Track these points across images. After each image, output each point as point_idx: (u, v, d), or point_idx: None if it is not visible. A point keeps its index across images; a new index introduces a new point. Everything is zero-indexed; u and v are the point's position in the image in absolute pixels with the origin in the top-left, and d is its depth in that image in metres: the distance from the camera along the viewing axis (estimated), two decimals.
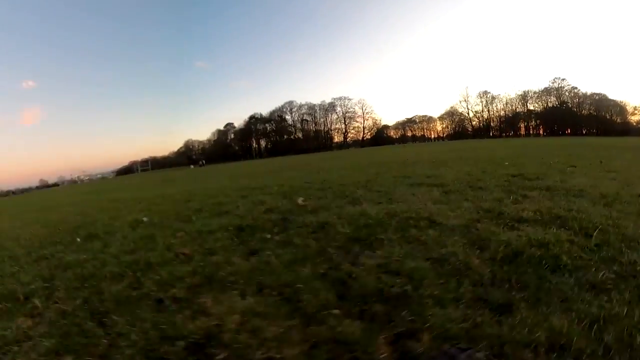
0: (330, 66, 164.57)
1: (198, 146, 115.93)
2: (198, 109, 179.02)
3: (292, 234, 3.44)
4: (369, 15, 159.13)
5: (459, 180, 6.20)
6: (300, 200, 5.05)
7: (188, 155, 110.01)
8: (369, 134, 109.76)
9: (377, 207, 4.19)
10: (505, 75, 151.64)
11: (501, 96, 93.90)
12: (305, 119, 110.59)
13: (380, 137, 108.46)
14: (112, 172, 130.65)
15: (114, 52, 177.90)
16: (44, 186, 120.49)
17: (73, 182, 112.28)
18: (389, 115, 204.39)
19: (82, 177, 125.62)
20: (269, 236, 3.43)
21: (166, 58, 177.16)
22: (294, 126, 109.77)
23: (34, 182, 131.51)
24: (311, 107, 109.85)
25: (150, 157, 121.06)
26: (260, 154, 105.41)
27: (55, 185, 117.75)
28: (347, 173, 9.87)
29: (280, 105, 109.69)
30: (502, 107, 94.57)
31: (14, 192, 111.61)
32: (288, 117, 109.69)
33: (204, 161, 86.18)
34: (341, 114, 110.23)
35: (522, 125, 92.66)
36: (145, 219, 5.15)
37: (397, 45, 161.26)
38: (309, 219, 3.89)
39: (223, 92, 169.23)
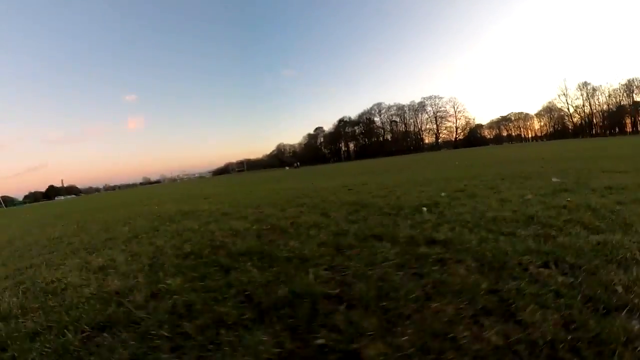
0: (418, 65, 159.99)
1: (289, 149, 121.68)
2: (287, 114, 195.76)
3: None
4: (458, 9, 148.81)
5: None
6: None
7: (279, 158, 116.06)
8: (461, 134, 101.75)
9: None
10: (606, 63, 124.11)
11: (603, 87, 77.55)
12: (394, 120, 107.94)
13: (473, 137, 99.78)
14: (209, 172, 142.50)
15: (206, 66, 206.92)
16: (147, 183, 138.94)
17: (173, 181, 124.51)
18: (482, 113, 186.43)
19: (181, 176, 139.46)
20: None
21: (255, 68, 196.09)
22: (383, 128, 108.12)
23: (138, 179, 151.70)
24: (400, 108, 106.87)
25: (245, 159, 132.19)
26: (349, 157, 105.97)
27: (157, 182, 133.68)
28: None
29: (368, 108, 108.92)
30: (604, 100, 78.07)
31: (119, 187, 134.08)
32: (377, 118, 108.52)
33: (298, 163, 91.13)
34: (432, 113, 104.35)
35: (628, 120, 74.28)
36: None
37: (488, 39, 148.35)
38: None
39: (311, 97, 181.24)
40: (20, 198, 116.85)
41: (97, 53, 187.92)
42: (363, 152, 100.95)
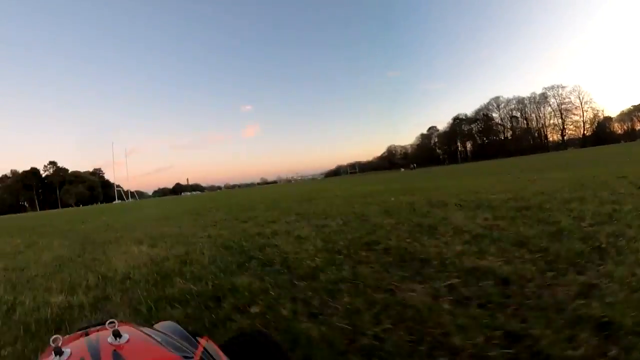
0: (534, 48, 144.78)
1: (400, 151, 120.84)
2: (396, 115, 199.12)
3: None
4: None
5: None
6: None
7: (390, 160, 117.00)
8: (590, 129, 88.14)
9: None
10: None
11: None
12: (514, 116, 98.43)
13: (602, 132, 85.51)
14: (321, 174, 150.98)
15: (313, 74, 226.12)
16: (264, 183, 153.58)
17: (288, 181, 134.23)
18: (610, 103, 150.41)
19: (295, 177, 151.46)
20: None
21: (360, 72, 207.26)
22: (502, 124, 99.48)
23: (256, 180, 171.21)
24: (520, 101, 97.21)
25: (355, 161, 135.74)
26: (466, 157, 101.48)
27: (274, 182, 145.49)
28: None
29: (485, 103, 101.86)
30: None
31: (239, 186, 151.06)
32: (495, 114, 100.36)
33: (414, 165, 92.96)
34: (555, 105, 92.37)
35: None
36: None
37: (613, 12, 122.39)
38: None
39: (419, 97, 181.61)
40: (150, 193, 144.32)
41: (218, 70, 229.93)
42: (481, 152, 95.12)
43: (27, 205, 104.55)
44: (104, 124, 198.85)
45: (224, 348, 0.71)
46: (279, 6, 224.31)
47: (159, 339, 0.61)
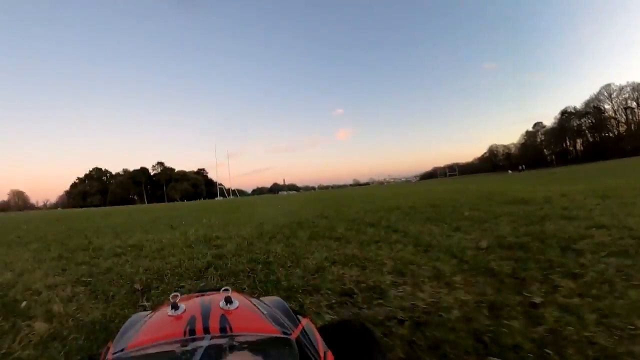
0: None
1: (502, 151, 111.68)
2: (495, 111, 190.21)
3: None
4: None
5: None
6: None
7: (492, 161, 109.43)
8: None
9: None
10: None
11: None
12: (628, 106, 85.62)
13: None
14: (415, 176, 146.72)
15: (402, 73, 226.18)
16: (356, 184, 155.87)
17: (380, 184, 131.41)
18: None
19: (387, 179, 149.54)
20: None
21: (454, 66, 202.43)
22: (616, 118, 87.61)
23: (348, 181, 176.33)
24: (635, 88, 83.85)
25: (453, 163, 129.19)
26: (576, 158, 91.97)
27: (366, 184, 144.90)
28: None
29: (595, 93, 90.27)
30: None
31: (332, 187, 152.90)
32: (607, 105, 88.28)
33: (523, 166, 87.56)
34: None
35: None
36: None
37: None
38: None
39: (519, 89, 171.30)
40: (249, 191, 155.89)
41: (311, 76, 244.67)
42: (592, 152, 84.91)
43: (136, 199, 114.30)
44: (209, 130, 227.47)
45: (322, 331, 0.73)
46: (367, 7, 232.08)
47: (265, 312, 0.67)
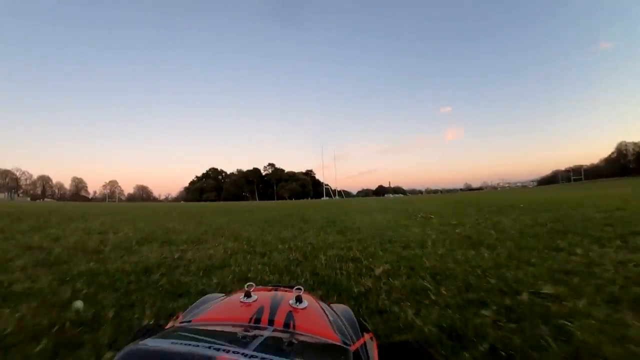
0: None
1: (632, 150, 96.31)
2: (620, 101, 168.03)
3: None
4: None
5: None
6: None
7: (622, 163, 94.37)
8: None
9: None
10: None
11: None
12: None
13: None
14: (532, 181, 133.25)
15: (513, 65, 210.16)
16: (467, 189, 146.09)
17: (493, 188, 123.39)
18: None
19: (501, 184, 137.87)
20: None
21: (567, 49, 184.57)
22: None
23: (459, 185, 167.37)
24: None
25: (576, 165, 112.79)
26: None
27: (479, 189, 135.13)
28: None
29: None
30: None
31: (440, 191, 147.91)
32: None
33: None
34: None
35: None
36: None
37: None
38: None
39: None
40: (354, 193, 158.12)
41: (414, 73, 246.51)
42: None
43: (248, 196, 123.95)
44: (317, 132, 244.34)
45: (381, 349, 0.69)
46: None
47: (330, 317, 0.66)
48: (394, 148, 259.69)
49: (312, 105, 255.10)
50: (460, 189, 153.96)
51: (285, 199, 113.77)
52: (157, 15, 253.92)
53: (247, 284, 0.73)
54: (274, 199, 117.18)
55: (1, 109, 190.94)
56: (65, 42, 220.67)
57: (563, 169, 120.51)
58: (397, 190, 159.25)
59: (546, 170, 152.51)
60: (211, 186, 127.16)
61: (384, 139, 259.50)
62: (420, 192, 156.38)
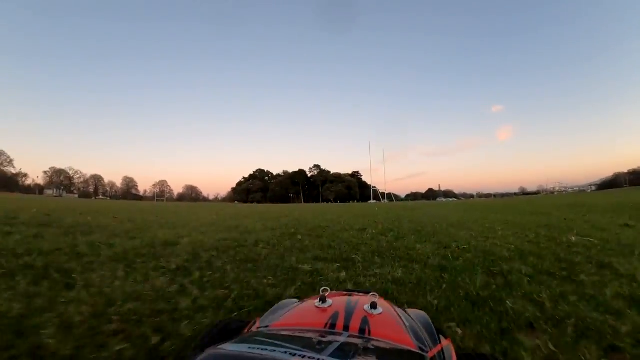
0: None
1: None
2: None
3: None
4: None
5: None
6: None
7: None
8: None
9: None
10: None
11: None
12: None
13: None
14: (590, 185, 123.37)
15: (570, 57, 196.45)
16: (522, 193, 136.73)
17: (550, 193, 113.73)
18: None
19: (557, 188, 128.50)
20: None
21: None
22: None
23: (514, 189, 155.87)
24: None
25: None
26: None
27: (536, 193, 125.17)
28: None
29: None
30: None
31: (494, 195, 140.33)
32: None
33: None
34: None
35: None
36: None
37: None
38: None
39: None
40: (403, 196, 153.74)
41: (462, 72, 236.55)
42: None
43: (294, 197, 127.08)
44: (364, 134, 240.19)
45: (460, 358, 0.69)
46: None
47: (407, 323, 0.66)
48: (443, 150, 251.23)
49: (360, 107, 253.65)
50: (515, 194, 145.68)
51: (330, 202, 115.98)
52: (198, 25, 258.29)
53: (322, 288, 0.75)
54: (319, 201, 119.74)
55: (58, 112, 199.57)
56: (125, 47, 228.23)
57: (625, 171, 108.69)
58: (447, 194, 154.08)
59: (606, 172, 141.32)
60: (257, 187, 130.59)
61: (432, 141, 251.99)
62: (472, 196, 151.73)
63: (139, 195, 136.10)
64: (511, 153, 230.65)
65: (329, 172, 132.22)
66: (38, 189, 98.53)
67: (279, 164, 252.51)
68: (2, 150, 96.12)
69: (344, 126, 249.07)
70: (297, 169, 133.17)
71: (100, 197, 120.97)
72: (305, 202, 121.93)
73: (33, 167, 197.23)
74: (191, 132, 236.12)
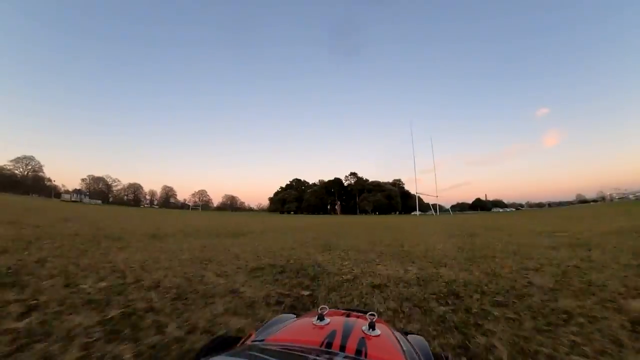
0: None
1: None
2: None
3: None
4: None
5: None
6: None
7: None
8: None
9: None
10: None
11: None
12: None
13: None
14: None
15: (624, 50, 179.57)
16: (580, 201, 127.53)
17: (610, 200, 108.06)
18: None
19: (613, 194, 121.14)
20: None
21: None
22: None
23: (569, 196, 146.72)
24: None
25: None
26: None
27: (594, 201, 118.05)
28: None
29: None
30: None
31: (549, 205, 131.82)
32: None
33: None
34: None
35: None
36: None
37: None
38: None
39: None
40: (447, 207, 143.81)
41: (502, 76, 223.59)
42: None
43: (328, 208, 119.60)
44: (404, 144, 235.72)
45: None
46: None
47: (404, 348, 0.63)
48: (488, 159, 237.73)
49: (401, 113, 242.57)
50: (569, 202, 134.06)
51: (367, 213, 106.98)
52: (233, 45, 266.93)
53: (321, 307, 0.71)
54: (355, 213, 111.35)
55: (100, 122, 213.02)
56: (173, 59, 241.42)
57: None
58: (496, 203, 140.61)
59: None
60: (293, 197, 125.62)
61: (476, 150, 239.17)
62: (521, 205, 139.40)
63: (178, 204, 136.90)
64: (562, 158, 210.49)
65: (367, 180, 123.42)
66: (54, 193, 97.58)
67: (317, 173, 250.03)
68: (32, 157, 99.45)
69: (384, 134, 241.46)
70: (332, 178, 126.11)
71: (146, 205, 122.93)
72: (341, 213, 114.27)
73: (72, 175, 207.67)
74: (234, 142, 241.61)
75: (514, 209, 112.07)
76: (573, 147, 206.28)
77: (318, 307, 0.72)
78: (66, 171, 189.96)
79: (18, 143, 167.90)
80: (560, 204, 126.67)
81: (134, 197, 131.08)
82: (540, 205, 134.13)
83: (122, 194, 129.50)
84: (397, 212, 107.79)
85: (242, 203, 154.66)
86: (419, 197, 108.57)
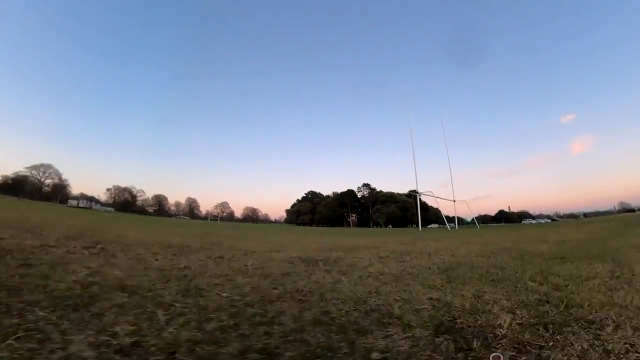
0: None
1: None
2: None
3: None
4: None
5: None
6: None
7: None
8: None
9: None
10: None
11: None
12: None
13: None
14: None
15: None
16: (624, 210, 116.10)
17: None
18: None
19: None
20: None
21: None
22: None
23: (610, 205, 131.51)
24: None
25: None
26: None
27: (632, 211, 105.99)
28: None
29: None
30: None
31: (585, 215, 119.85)
32: None
33: None
34: None
35: None
36: None
37: None
38: None
39: None
40: (468, 220, 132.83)
41: (523, 82, 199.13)
42: None
43: (346, 221, 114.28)
44: (422, 156, 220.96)
45: None
46: None
47: None
48: (511, 170, 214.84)
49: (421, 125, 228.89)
50: (610, 211, 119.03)
51: (380, 226, 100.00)
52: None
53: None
54: (368, 225, 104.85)
55: (127, 138, 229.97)
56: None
57: None
58: (522, 215, 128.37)
59: None
60: (306, 209, 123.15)
61: (497, 161, 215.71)
62: (549, 217, 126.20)
63: (205, 216, 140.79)
64: (592, 165, 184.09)
65: (380, 191, 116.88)
66: (60, 198, 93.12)
67: (332, 185, 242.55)
68: (51, 164, 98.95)
69: (400, 144, 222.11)
70: (346, 189, 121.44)
71: (178, 216, 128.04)
72: (353, 225, 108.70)
73: (98, 185, 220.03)
74: (254, 154, 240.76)
75: (549, 220, 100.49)
76: (606, 152, 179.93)
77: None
78: (91, 180, 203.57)
79: (44, 155, 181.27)
80: (597, 214, 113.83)
81: (158, 207, 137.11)
82: (573, 216, 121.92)
83: (147, 204, 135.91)
84: (413, 225, 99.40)
85: (265, 215, 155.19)
86: (437, 209, 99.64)
